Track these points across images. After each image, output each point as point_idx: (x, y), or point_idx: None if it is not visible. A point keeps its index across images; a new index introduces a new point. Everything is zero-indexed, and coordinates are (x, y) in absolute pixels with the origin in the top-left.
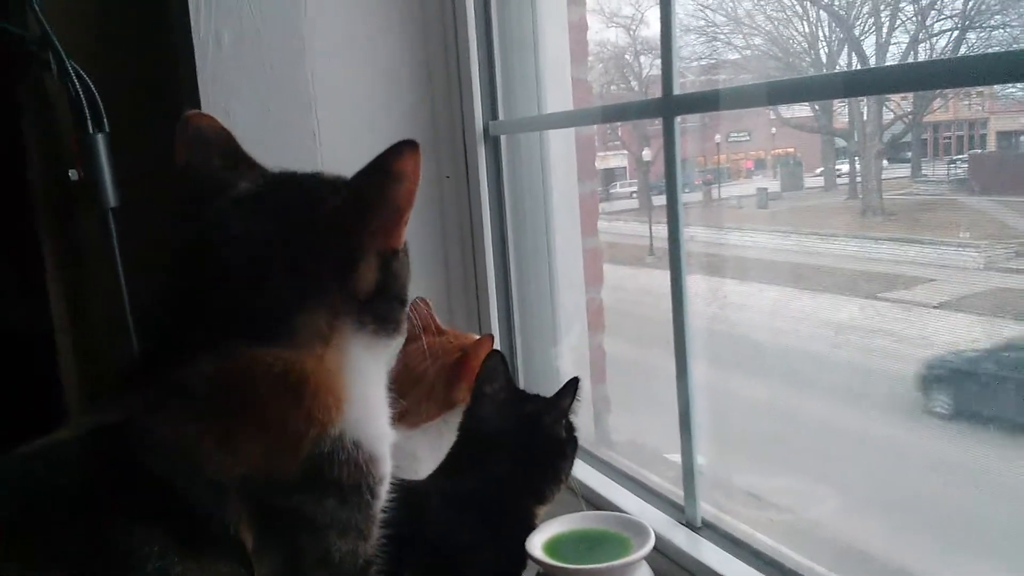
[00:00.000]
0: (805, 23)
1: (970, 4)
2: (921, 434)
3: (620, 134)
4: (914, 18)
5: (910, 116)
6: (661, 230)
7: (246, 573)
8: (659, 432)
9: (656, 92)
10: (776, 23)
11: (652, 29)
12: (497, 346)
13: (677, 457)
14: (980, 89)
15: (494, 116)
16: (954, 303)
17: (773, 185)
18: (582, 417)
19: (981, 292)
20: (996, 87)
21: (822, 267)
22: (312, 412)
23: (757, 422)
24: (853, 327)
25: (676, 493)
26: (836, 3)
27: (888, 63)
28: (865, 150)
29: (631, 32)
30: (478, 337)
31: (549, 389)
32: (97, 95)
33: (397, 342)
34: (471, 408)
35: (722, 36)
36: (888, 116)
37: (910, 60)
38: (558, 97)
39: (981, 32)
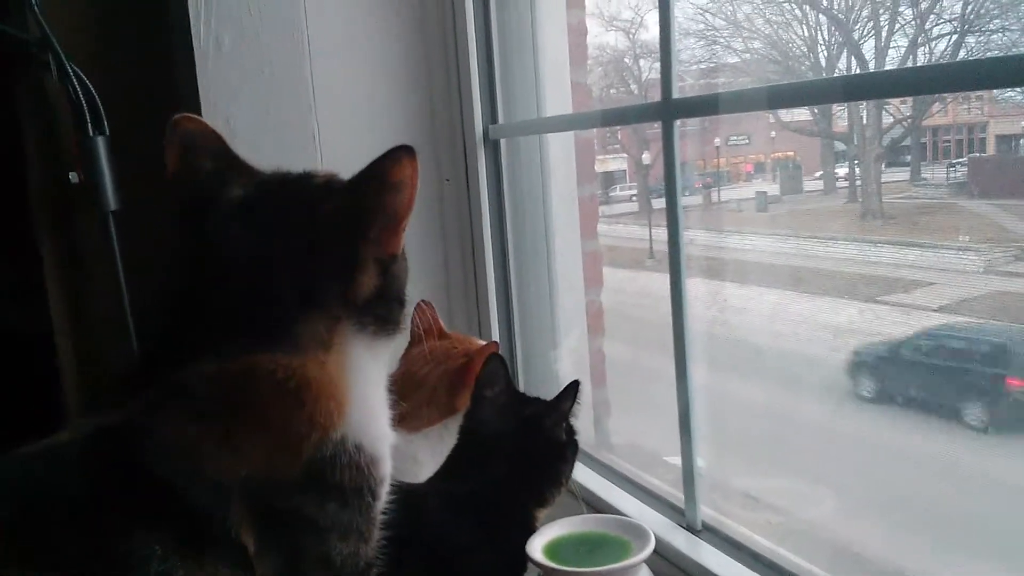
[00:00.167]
0: (804, 27)
1: (969, 8)
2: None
3: (619, 137)
4: (913, 22)
5: (909, 120)
6: (661, 233)
7: (247, 575)
8: (659, 435)
9: (655, 96)
10: (775, 27)
11: (651, 33)
12: None
13: (677, 460)
14: (979, 93)
15: (494, 119)
16: (954, 306)
17: (772, 189)
18: (582, 420)
19: (981, 296)
20: (995, 91)
21: (821, 271)
22: (314, 417)
23: (756, 424)
24: (852, 330)
25: (676, 496)
26: (835, 7)
27: (887, 67)
28: (864, 154)
29: (630, 36)
30: (482, 343)
31: (549, 392)
32: (97, 97)
33: (397, 342)
34: (471, 411)
35: (721, 40)
36: (887, 120)
37: (909, 64)
38: (558, 101)
39: (980, 36)
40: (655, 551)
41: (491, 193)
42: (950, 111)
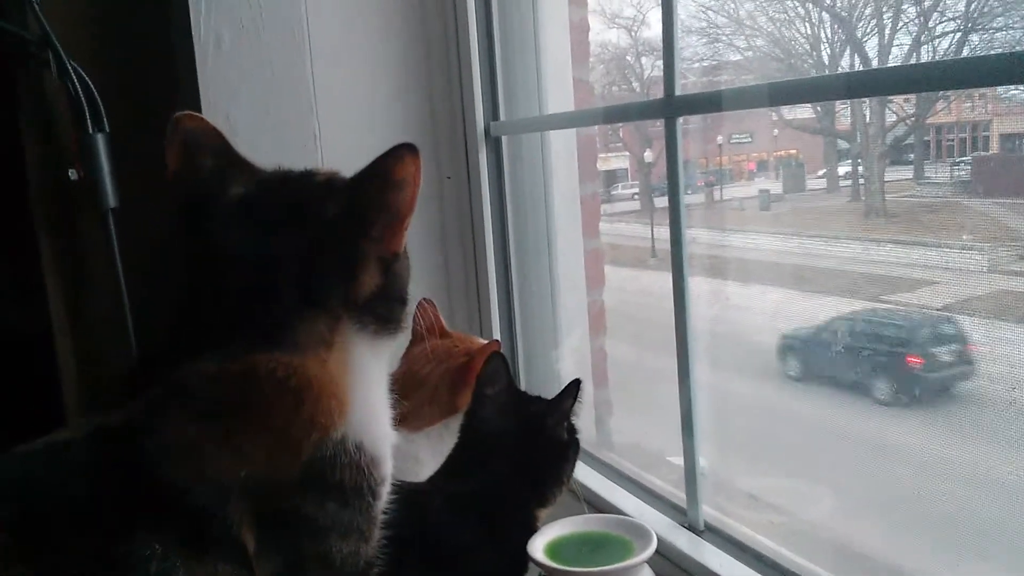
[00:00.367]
0: (807, 25)
1: (973, 6)
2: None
3: (621, 135)
4: (916, 20)
5: (913, 118)
6: (663, 232)
7: (248, 574)
8: (661, 435)
9: (657, 94)
10: (778, 24)
11: (653, 30)
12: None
13: (679, 460)
14: (983, 91)
15: (495, 117)
16: (957, 306)
17: (775, 187)
18: (584, 420)
19: (985, 295)
20: (1000, 90)
21: (824, 269)
22: (315, 416)
23: (757, 423)
24: None
25: (678, 496)
26: (838, 5)
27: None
28: (868, 152)
29: (632, 33)
30: (484, 342)
31: (550, 392)
32: (97, 95)
33: (399, 341)
34: (472, 410)
35: (724, 37)
36: (891, 118)
37: (912, 62)
38: (559, 98)
39: (984, 34)
40: (657, 551)
41: (492, 191)
42: (954, 109)
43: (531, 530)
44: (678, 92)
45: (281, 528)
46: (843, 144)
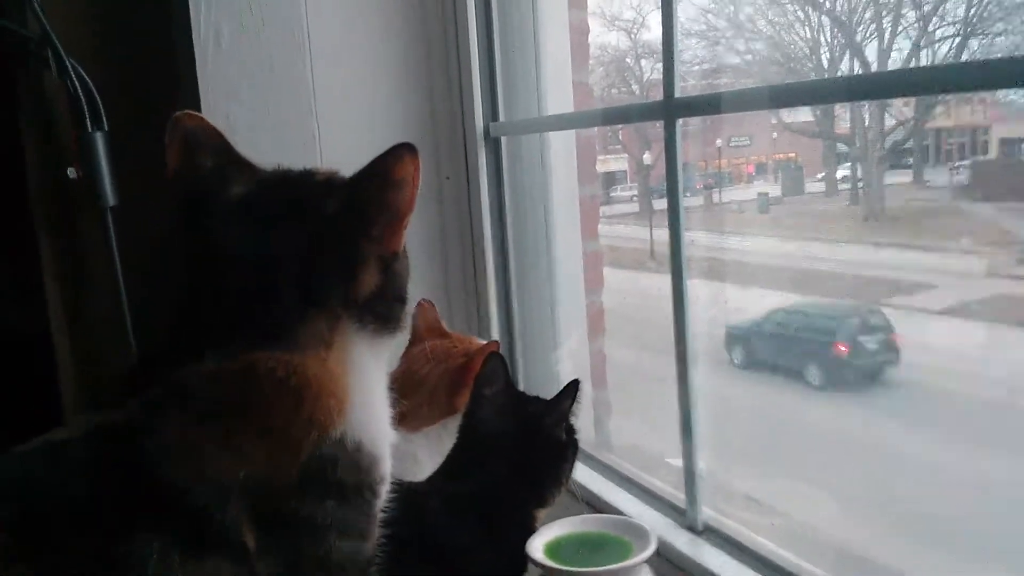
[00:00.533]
0: (807, 28)
1: (972, 11)
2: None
3: (621, 137)
4: (916, 24)
5: (912, 122)
6: (662, 234)
7: (247, 574)
8: (660, 436)
9: (657, 96)
10: (778, 28)
11: (653, 33)
12: None
13: (678, 461)
14: (982, 96)
15: (495, 117)
16: (956, 309)
17: (774, 190)
18: (582, 421)
19: (983, 298)
20: (999, 94)
21: (823, 272)
22: (314, 415)
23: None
24: None
25: (678, 497)
26: (838, 9)
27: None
28: (867, 155)
29: (632, 36)
30: (483, 342)
31: (549, 393)
32: (96, 93)
33: (398, 340)
34: (471, 410)
35: (724, 41)
36: (890, 122)
37: (912, 66)
38: (559, 99)
39: (983, 39)
40: (656, 552)
41: (492, 192)
42: (953, 114)
43: (530, 530)
44: (677, 94)
45: (281, 527)
46: (842, 147)
